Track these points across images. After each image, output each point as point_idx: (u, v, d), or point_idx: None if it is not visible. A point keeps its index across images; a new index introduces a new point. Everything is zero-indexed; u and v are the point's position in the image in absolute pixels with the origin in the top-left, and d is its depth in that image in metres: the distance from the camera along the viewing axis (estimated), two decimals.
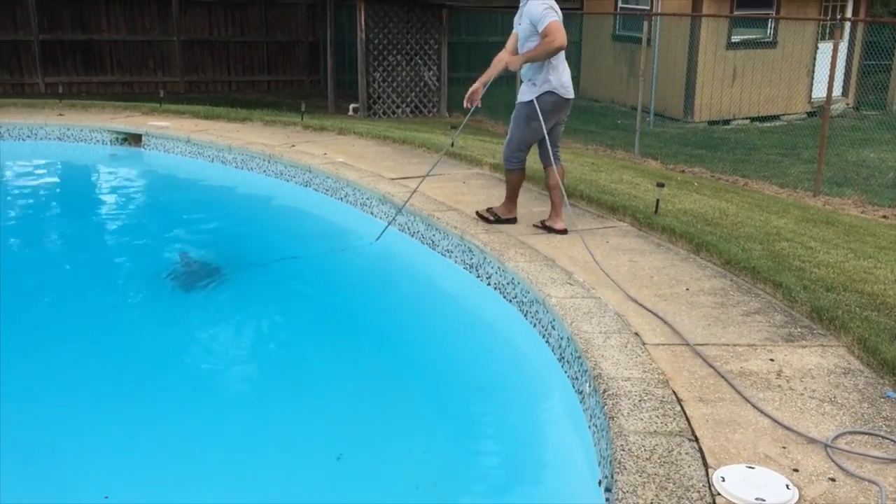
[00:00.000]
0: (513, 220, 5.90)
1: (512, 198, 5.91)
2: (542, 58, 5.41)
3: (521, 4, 5.58)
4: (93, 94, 16.00)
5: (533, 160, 5.97)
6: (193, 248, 6.50)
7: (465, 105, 5.78)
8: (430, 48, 14.32)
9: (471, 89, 5.77)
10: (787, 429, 3.15)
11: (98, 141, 9.52)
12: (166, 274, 5.90)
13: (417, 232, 6.26)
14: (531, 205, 6.37)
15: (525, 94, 5.65)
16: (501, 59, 5.69)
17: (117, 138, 9.51)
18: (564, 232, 5.67)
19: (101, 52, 17.15)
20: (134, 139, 9.45)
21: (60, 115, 10.19)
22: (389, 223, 6.43)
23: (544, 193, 6.70)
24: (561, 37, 5.30)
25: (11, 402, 4.03)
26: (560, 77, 5.55)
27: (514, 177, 5.84)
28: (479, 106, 5.87)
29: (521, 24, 5.59)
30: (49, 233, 7.34)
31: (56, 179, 9.13)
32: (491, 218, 5.89)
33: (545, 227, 5.76)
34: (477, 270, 5.50)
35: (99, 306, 5.42)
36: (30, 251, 6.64)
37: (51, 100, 11.83)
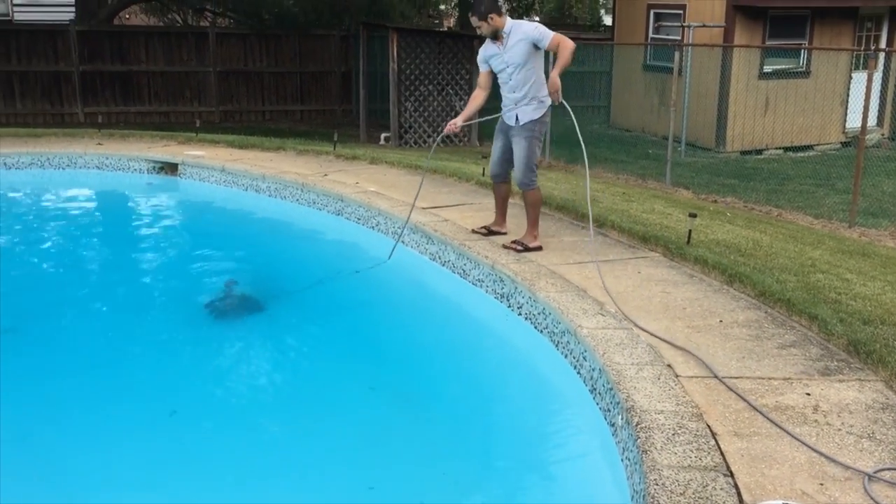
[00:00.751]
0: (539, 248, 5.91)
1: (535, 222, 5.98)
2: (569, 64, 5.60)
3: (504, 33, 5.70)
4: (131, 124, 16.33)
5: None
6: (235, 276, 6.58)
7: (447, 130, 6.03)
8: (461, 78, 14.44)
9: (451, 122, 6.01)
10: (825, 463, 3.09)
11: (135, 170, 9.70)
12: (214, 301, 5.97)
13: (448, 261, 6.27)
14: (562, 234, 6.36)
15: (533, 112, 5.79)
16: (477, 97, 5.98)
17: (154, 167, 9.67)
18: (540, 248, 5.88)
19: (140, 82, 17.51)
20: (170, 168, 9.61)
21: (99, 144, 10.40)
22: (398, 239, 6.60)
23: (576, 223, 6.70)
24: (569, 39, 5.61)
25: (54, 432, 4.07)
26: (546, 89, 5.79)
27: (537, 196, 5.95)
28: (458, 136, 6.06)
29: (507, 53, 5.70)
30: (92, 261, 7.47)
31: (96, 208, 9.31)
32: (520, 248, 5.90)
33: (522, 246, 5.87)
34: (508, 300, 5.50)
35: (149, 335, 5.50)
36: (74, 279, 6.74)
37: (90, 129, 12.08)
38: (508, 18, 5.77)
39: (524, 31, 5.64)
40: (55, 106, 17.08)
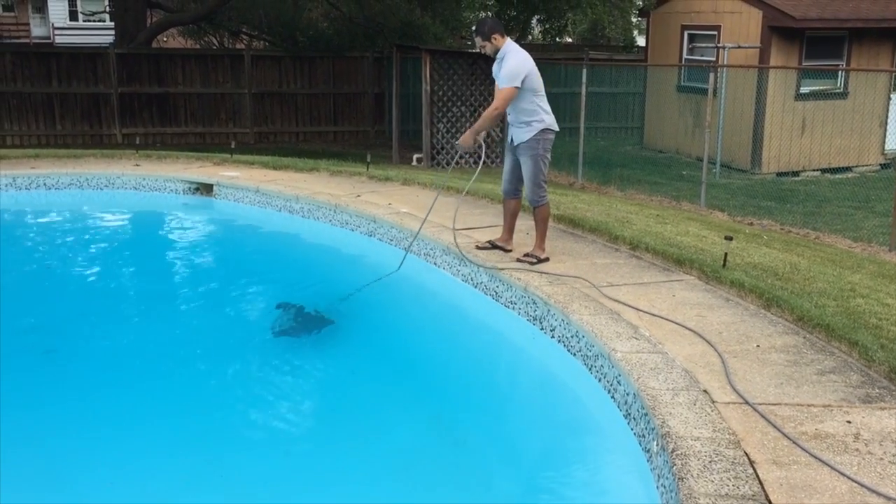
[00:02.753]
0: (547, 259, 6.12)
1: (544, 236, 6.19)
2: (486, 125, 6.08)
3: (499, 58, 5.93)
4: (167, 145, 16.59)
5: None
6: (274, 296, 6.63)
7: (455, 150, 6.13)
8: (493, 99, 14.44)
9: (462, 141, 6.21)
10: (867, 494, 3.01)
11: (171, 190, 9.82)
12: (279, 320, 6.03)
13: (480, 283, 6.25)
14: (594, 257, 6.32)
15: (523, 133, 5.99)
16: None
17: (190, 188, 9.79)
18: (547, 260, 6.06)
19: (176, 104, 17.80)
20: (206, 189, 9.71)
21: (137, 165, 10.55)
22: (407, 251, 6.72)
23: (609, 246, 6.65)
24: (504, 102, 5.86)
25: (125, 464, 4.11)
26: (550, 113, 6.00)
27: (546, 212, 6.15)
28: (481, 146, 6.40)
29: (498, 79, 6.02)
30: (132, 282, 7.55)
31: (133, 228, 9.43)
32: (533, 260, 6.05)
33: (536, 259, 6.04)
34: (541, 323, 5.46)
35: (209, 354, 5.60)
36: (118, 300, 6.80)
37: (127, 150, 12.28)
38: (508, 40, 5.96)
39: (504, 64, 5.87)
40: (94, 127, 17.40)
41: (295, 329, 5.93)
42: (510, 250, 6.35)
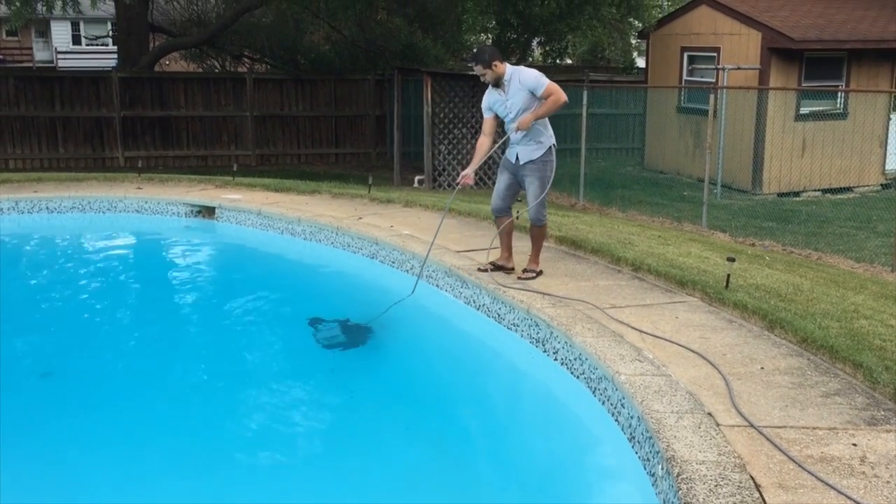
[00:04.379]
0: (541, 272, 6.30)
1: (539, 252, 6.33)
2: (550, 113, 5.96)
3: (505, 81, 5.96)
4: (169, 168, 16.64)
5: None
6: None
7: (460, 183, 6.24)
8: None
9: (464, 174, 6.22)
10: None
11: (174, 213, 9.83)
12: (320, 340, 6.10)
13: (483, 305, 6.24)
14: (597, 278, 6.31)
15: (533, 152, 6.06)
16: (483, 144, 6.19)
17: (192, 211, 9.81)
18: (540, 273, 6.23)
19: (178, 127, 17.88)
20: (208, 211, 9.73)
21: (139, 188, 10.58)
22: (419, 276, 6.68)
23: (612, 267, 6.65)
24: (562, 92, 5.89)
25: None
26: (552, 131, 6.13)
27: (545, 231, 6.39)
28: (472, 185, 6.48)
29: (510, 100, 5.99)
30: (136, 305, 7.56)
31: (135, 252, 9.44)
32: (533, 275, 6.21)
33: (535, 273, 6.22)
34: (543, 345, 5.44)
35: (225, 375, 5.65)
36: (140, 328, 6.82)
37: (130, 173, 12.32)
38: (508, 65, 6.03)
39: (523, 80, 5.91)
40: (97, 150, 17.47)
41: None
42: (512, 268, 6.37)
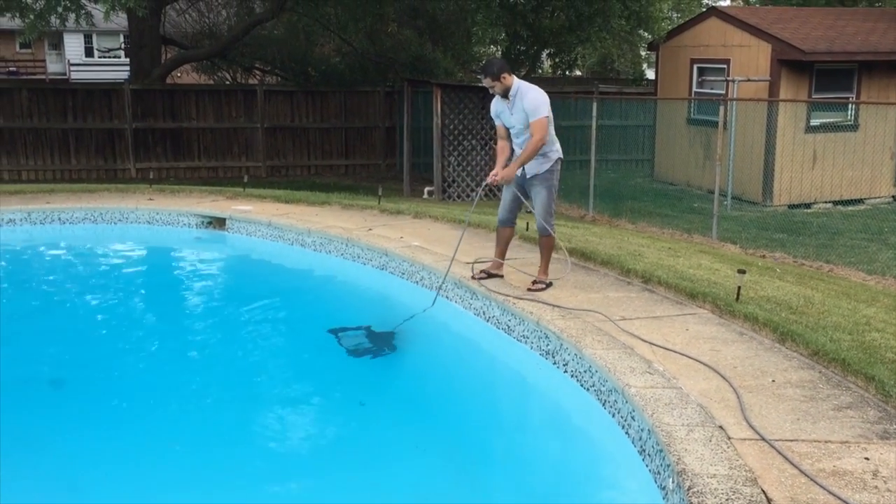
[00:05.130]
0: (551, 283, 6.33)
1: (548, 263, 6.38)
2: (530, 158, 6.04)
3: (511, 95, 6.05)
4: (180, 179, 16.72)
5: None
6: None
7: (490, 181, 6.25)
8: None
9: (493, 173, 6.24)
10: None
11: (184, 224, 9.88)
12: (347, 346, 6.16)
13: (493, 317, 6.24)
14: (607, 290, 6.30)
15: (541, 166, 6.17)
16: (505, 149, 6.33)
17: (202, 222, 9.85)
18: (550, 285, 6.25)
19: (190, 138, 17.96)
20: (218, 223, 9.77)
21: (150, 199, 10.63)
22: (438, 290, 6.69)
23: (622, 279, 6.64)
24: (544, 134, 5.98)
25: None
26: (558, 142, 6.23)
27: (553, 241, 6.34)
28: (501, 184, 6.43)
29: (514, 115, 6.16)
30: (147, 316, 7.60)
31: (146, 263, 9.49)
32: (542, 286, 6.22)
33: (545, 284, 6.25)
34: (553, 357, 5.43)
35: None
36: (161, 338, 6.84)
37: (141, 185, 12.39)
38: (515, 78, 6.11)
39: (525, 101, 6.02)
40: (108, 162, 17.57)
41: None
42: (502, 276, 6.53)
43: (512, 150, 6.35)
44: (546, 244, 6.33)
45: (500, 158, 6.33)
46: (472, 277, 6.52)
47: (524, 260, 7.08)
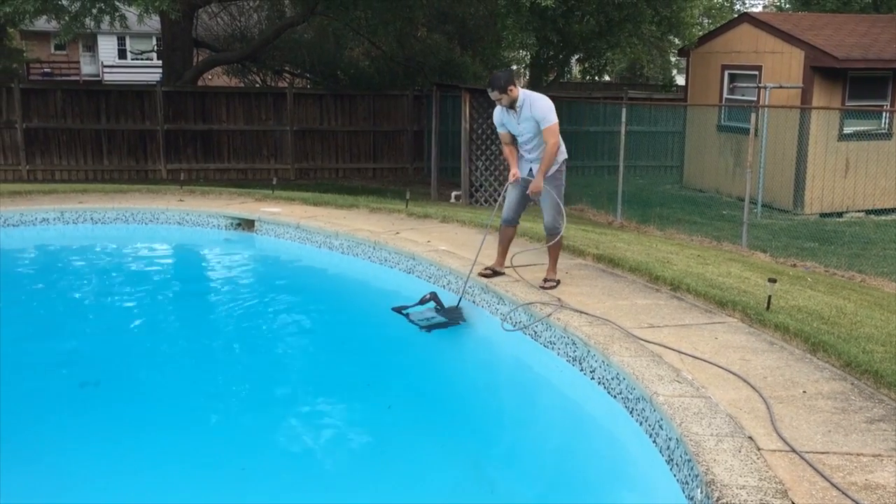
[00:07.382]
0: (559, 281, 6.56)
1: (556, 262, 6.63)
2: (552, 163, 6.32)
3: (517, 106, 6.29)
4: (210, 180, 16.87)
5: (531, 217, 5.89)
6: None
7: (512, 181, 6.55)
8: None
9: (513, 172, 6.53)
10: None
11: (214, 226, 9.96)
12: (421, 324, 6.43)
13: (519, 322, 6.22)
14: (635, 297, 6.26)
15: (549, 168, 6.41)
16: (514, 152, 6.58)
17: (232, 223, 9.93)
18: (559, 282, 6.49)
19: (220, 140, 18.13)
20: (247, 224, 9.84)
21: (181, 200, 10.74)
22: (461, 295, 6.79)
23: (650, 286, 6.59)
24: (559, 138, 6.31)
25: None
26: (564, 144, 6.49)
27: (561, 240, 6.57)
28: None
29: (521, 125, 6.37)
30: (180, 314, 7.67)
31: (177, 262, 9.58)
32: (553, 284, 6.48)
33: (555, 282, 6.48)
34: (580, 363, 5.41)
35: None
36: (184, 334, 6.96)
37: (172, 186, 12.51)
38: (520, 89, 6.34)
39: (533, 111, 6.27)
40: (140, 163, 17.78)
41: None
42: (504, 273, 6.83)
43: (520, 155, 6.58)
44: (557, 243, 6.56)
45: (513, 160, 6.59)
46: (479, 274, 6.77)
47: (529, 255, 7.16)
